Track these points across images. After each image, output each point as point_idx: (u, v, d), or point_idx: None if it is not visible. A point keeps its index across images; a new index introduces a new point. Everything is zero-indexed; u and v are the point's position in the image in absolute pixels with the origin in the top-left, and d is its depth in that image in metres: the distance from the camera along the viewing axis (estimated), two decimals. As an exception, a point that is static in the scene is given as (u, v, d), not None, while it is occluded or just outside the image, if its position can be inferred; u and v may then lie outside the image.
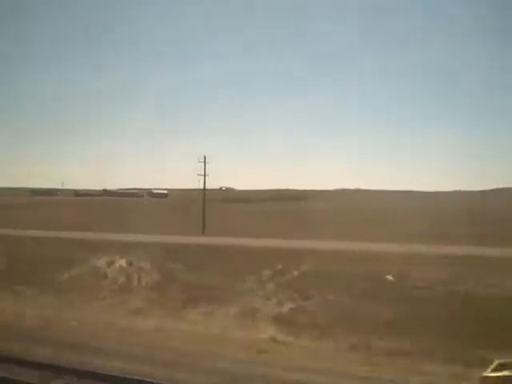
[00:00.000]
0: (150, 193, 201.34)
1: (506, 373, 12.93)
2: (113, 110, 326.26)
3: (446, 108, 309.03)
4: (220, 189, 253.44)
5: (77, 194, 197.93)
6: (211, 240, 43.88)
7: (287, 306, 22.70)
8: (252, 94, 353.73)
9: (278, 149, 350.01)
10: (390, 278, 25.71)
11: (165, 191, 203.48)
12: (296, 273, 26.78)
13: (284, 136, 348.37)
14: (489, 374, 13.18)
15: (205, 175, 64.36)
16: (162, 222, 73.86)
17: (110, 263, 32.17)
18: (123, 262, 31.89)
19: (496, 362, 13.30)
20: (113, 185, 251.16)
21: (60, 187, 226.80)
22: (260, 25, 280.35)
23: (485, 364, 13.86)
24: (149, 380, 14.80)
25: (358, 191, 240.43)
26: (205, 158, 63.89)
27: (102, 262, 32.27)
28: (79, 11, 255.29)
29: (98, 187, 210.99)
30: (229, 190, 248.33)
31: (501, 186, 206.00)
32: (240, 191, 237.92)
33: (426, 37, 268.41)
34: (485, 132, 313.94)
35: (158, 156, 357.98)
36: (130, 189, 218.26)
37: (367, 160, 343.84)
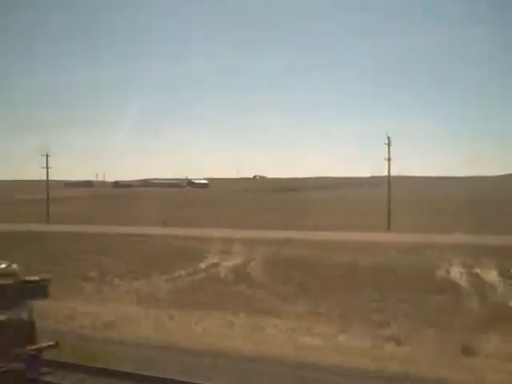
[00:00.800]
0: (190, 183, 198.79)
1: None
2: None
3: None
4: (254, 177, 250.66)
5: (116, 185, 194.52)
6: (450, 238, 37.92)
7: None
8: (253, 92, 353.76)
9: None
10: None
11: (205, 181, 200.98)
12: None
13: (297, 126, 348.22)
14: None
15: (389, 159, 57.57)
16: (285, 215, 69.92)
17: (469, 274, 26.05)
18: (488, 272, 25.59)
19: None
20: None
21: (94, 179, 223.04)
22: (260, 25, 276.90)
23: None
24: None
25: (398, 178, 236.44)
26: (389, 140, 57.11)
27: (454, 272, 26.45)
28: (79, 11, 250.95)
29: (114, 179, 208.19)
30: (262, 178, 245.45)
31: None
32: (272, 179, 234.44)
33: (425, 36, 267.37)
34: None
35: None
36: (157, 179, 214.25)
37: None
